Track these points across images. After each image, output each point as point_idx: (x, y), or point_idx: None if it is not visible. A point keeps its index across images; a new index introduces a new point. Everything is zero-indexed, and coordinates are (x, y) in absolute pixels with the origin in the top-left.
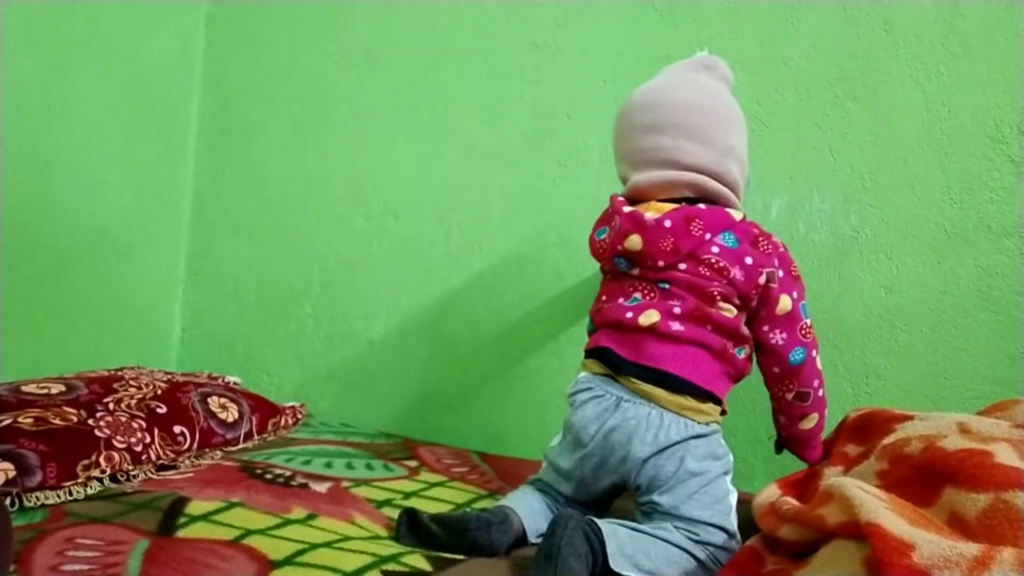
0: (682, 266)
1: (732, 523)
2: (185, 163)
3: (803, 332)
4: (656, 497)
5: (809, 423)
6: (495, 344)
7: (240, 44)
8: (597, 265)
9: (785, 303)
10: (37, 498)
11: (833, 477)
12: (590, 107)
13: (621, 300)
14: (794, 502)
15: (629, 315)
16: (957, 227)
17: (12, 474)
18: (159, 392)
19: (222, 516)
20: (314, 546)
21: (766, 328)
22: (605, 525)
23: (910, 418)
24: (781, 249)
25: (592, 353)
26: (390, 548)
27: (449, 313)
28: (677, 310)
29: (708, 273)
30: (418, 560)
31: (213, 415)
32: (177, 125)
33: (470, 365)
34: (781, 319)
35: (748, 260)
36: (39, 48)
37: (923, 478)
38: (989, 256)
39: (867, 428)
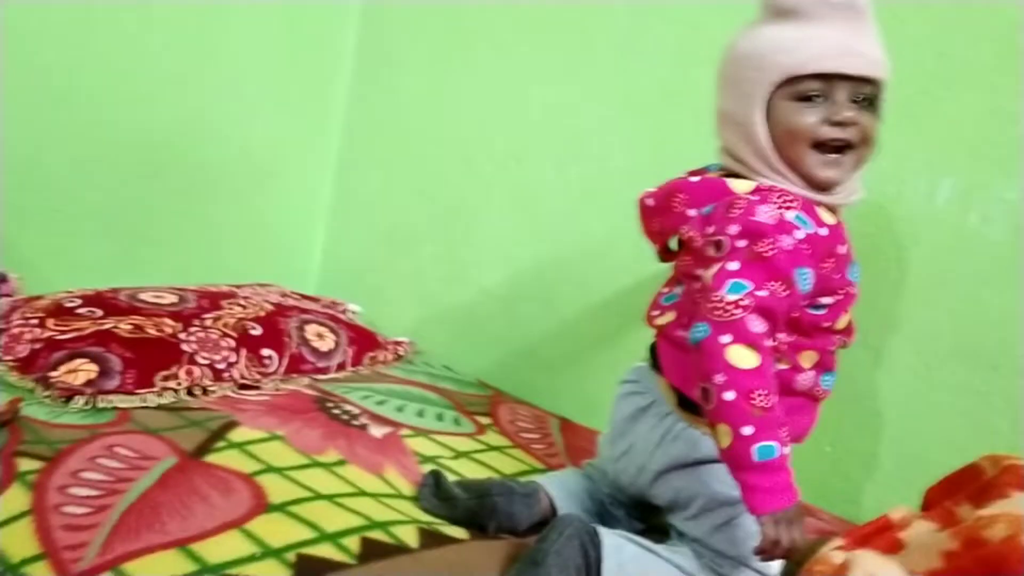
0: (686, 258)
1: (769, 565)
2: (337, 94)
3: (712, 304)
4: (679, 522)
5: (721, 440)
6: (601, 310)
7: None
8: None
9: (708, 273)
10: (110, 400)
11: (869, 559)
12: None
13: (665, 293)
14: (837, 560)
15: (655, 313)
16: None
17: (94, 375)
18: (261, 314)
19: (258, 447)
20: (318, 496)
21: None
22: (611, 538)
23: None
24: (757, 218)
25: (652, 344)
26: (392, 512)
27: (560, 272)
28: (685, 318)
29: (694, 260)
30: (408, 533)
31: (307, 342)
32: (332, 56)
33: (575, 328)
34: (701, 289)
35: (709, 228)
36: None
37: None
38: None
39: (991, 487)
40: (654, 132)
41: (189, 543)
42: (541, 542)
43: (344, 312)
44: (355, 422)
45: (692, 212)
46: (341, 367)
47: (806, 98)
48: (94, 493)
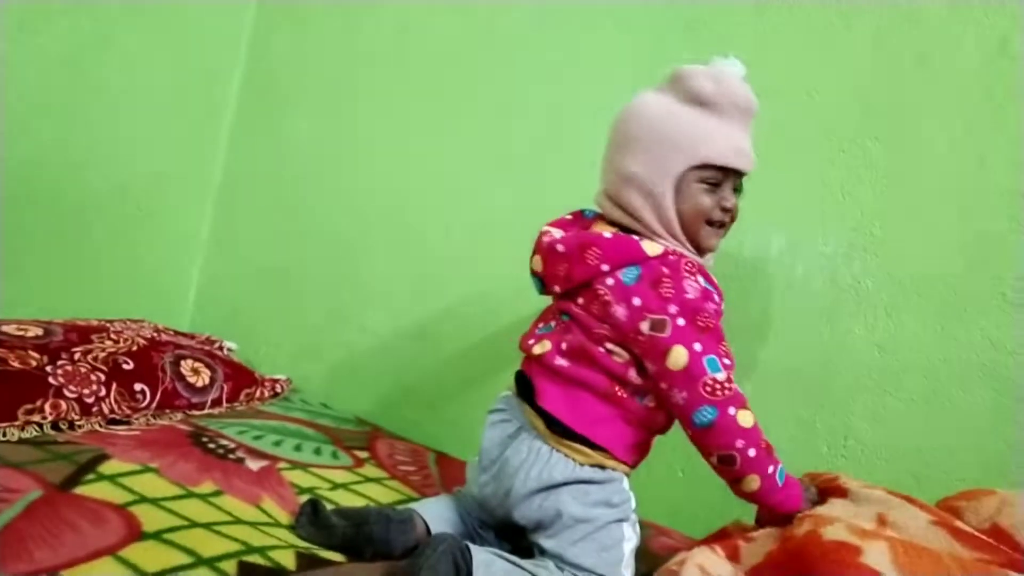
0: (580, 300)
1: (623, 573)
2: (220, 134)
3: (708, 388)
4: (541, 540)
5: (750, 486)
6: (480, 349)
7: (285, 24)
8: None
9: (678, 356)
10: None
11: (701, 553)
12: (603, 117)
13: (540, 326)
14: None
15: (531, 341)
16: (969, 291)
17: None
18: (134, 348)
19: (130, 479)
20: (194, 524)
21: (664, 386)
22: (480, 554)
23: (844, 494)
24: (689, 295)
25: (517, 373)
26: (270, 539)
27: (440, 312)
28: (565, 345)
29: (598, 310)
30: (285, 557)
31: (181, 377)
32: (216, 98)
33: (453, 366)
34: (676, 375)
35: (636, 300)
36: (87, 10)
37: (791, 564)
38: (1000, 328)
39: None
40: (528, 182)
41: (58, 570)
42: (416, 558)
43: (220, 349)
44: (231, 456)
45: (605, 268)
46: (216, 403)
47: (709, 183)
48: None
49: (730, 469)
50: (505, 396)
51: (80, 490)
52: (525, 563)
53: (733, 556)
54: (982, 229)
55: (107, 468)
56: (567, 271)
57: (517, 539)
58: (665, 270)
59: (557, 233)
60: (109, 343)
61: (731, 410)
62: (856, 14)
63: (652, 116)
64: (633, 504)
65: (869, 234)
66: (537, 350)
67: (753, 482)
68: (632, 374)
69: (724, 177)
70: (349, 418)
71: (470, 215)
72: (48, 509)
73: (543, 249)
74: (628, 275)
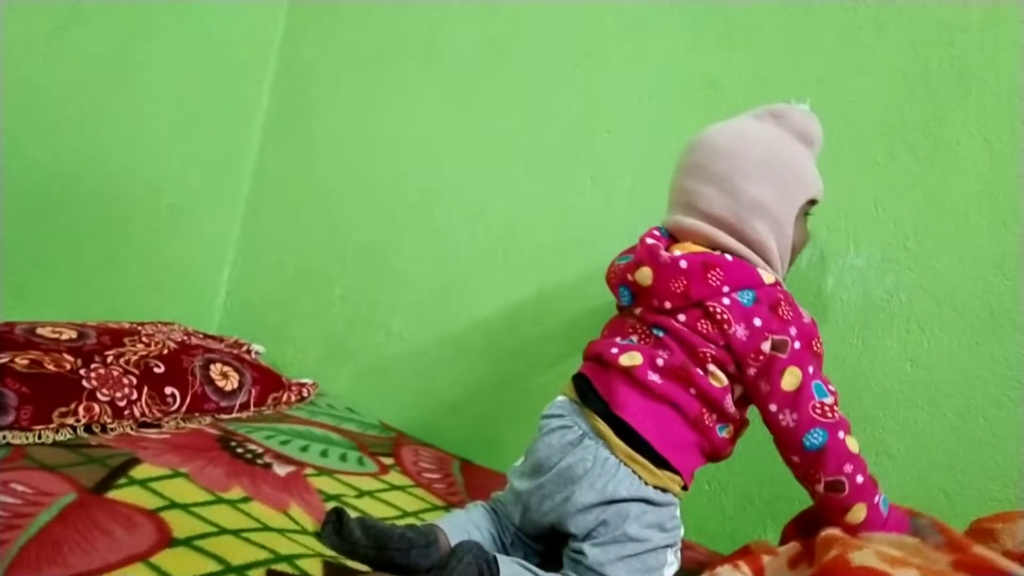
0: (681, 317)
1: None
2: (251, 136)
3: (818, 411)
4: (586, 547)
5: (857, 516)
6: (505, 355)
7: (317, 26)
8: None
9: (793, 377)
10: (3, 436)
11: (726, 571)
12: (631, 124)
13: (617, 338)
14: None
15: (614, 351)
16: (1004, 307)
17: None
18: (164, 352)
19: (161, 484)
20: (223, 531)
21: (773, 408)
22: (509, 566)
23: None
24: (805, 320)
25: (574, 378)
26: (297, 547)
27: (465, 317)
28: (660, 361)
29: (707, 329)
30: (314, 566)
31: (211, 381)
32: (248, 99)
33: (478, 372)
34: (789, 396)
35: (757, 321)
36: (121, 10)
37: None
38: None
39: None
40: (556, 190)
41: (92, 575)
42: (440, 570)
43: (248, 352)
44: (259, 461)
45: (726, 289)
46: (244, 407)
47: (806, 216)
48: None
49: (838, 496)
50: (562, 401)
51: (113, 494)
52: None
53: (759, 572)
54: (1019, 243)
55: (139, 472)
56: (685, 289)
57: (551, 548)
58: (780, 296)
59: (675, 251)
60: (140, 346)
61: (840, 434)
62: (892, 22)
63: (774, 147)
64: (681, 532)
65: (903, 247)
66: (625, 361)
67: (860, 512)
68: (728, 401)
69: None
70: (374, 423)
71: (498, 219)
72: (82, 513)
73: (657, 263)
74: (745, 297)
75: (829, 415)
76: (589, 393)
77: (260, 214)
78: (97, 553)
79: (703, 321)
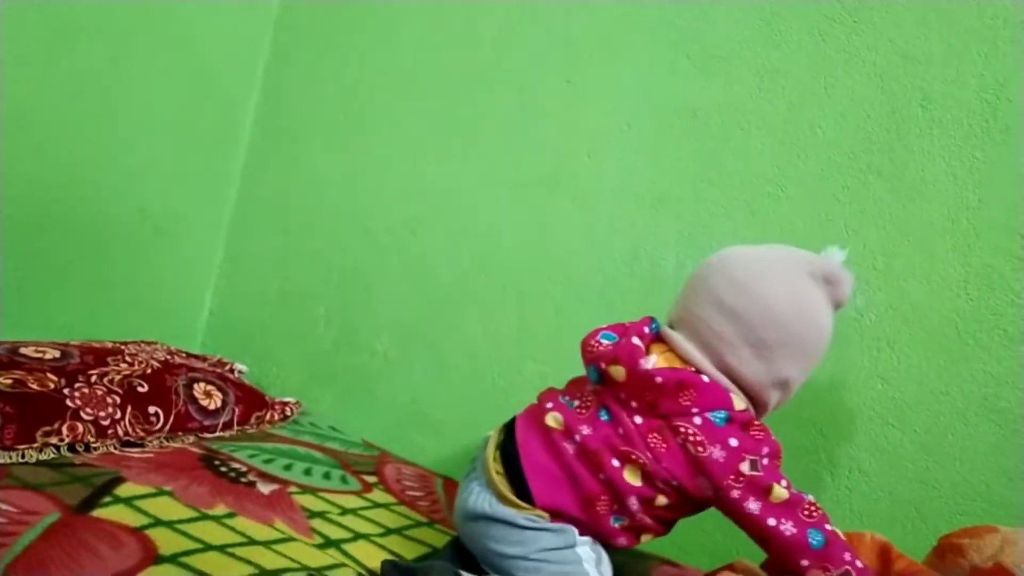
0: (638, 419)
1: None
2: (235, 158)
3: (806, 513)
4: None
5: None
6: (487, 373)
7: (301, 50)
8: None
9: (779, 491)
10: None
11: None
12: (611, 149)
13: (564, 396)
14: None
15: (549, 405)
16: (970, 327)
17: None
18: (148, 371)
19: (145, 502)
20: (209, 547)
21: (773, 522)
22: None
23: None
24: (772, 438)
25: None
26: (283, 560)
27: (448, 337)
28: (578, 437)
29: (655, 443)
30: None
31: (194, 400)
32: (233, 122)
33: (461, 391)
34: (782, 508)
35: (733, 442)
36: (106, 32)
37: None
38: (1000, 363)
39: None
40: (537, 212)
41: None
42: None
43: (231, 371)
44: (243, 479)
45: (695, 410)
46: (228, 426)
47: None
48: None
49: None
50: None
51: (97, 513)
52: None
53: None
54: (982, 265)
55: (123, 491)
56: (654, 399)
57: None
58: (750, 416)
59: (652, 359)
60: (124, 365)
61: (828, 527)
62: (859, 54)
63: (818, 321)
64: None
65: (872, 268)
66: (549, 421)
67: None
68: (633, 501)
69: None
70: (357, 442)
71: (480, 241)
72: (67, 531)
73: (634, 371)
74: (717, 417)
75: (815, 513)
76: (507, 441)
77: (244, 235)
78: (83, 571)
79: (655, 435)
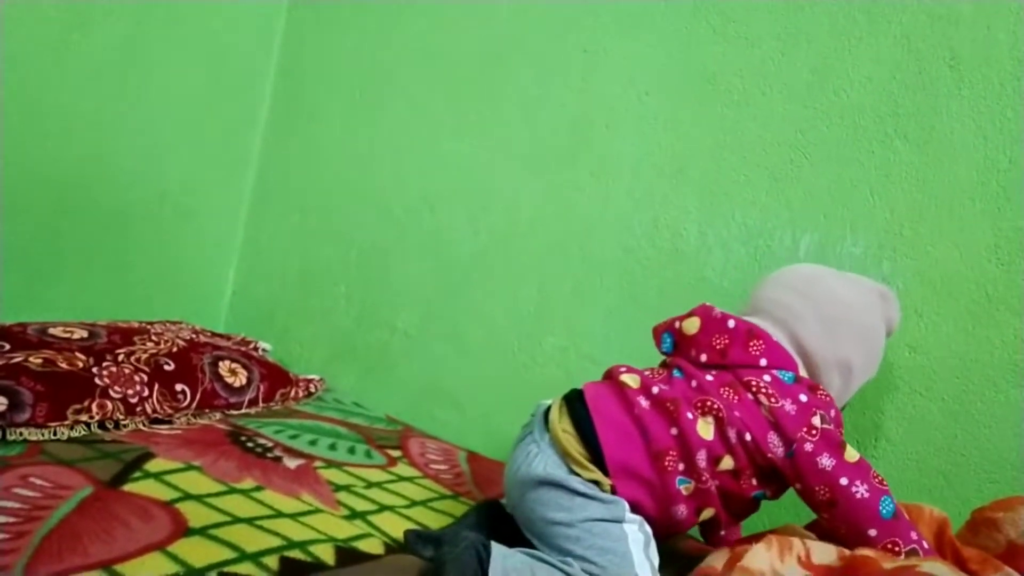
0: (709, 376)
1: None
2: (254, 138)
3: (878, 480)
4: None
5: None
6: (508, 348)
7: (316, 30)
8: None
9: (852, 450)
10: (20, 433)
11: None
12: (629, 119)
13: (634, 366)
14: (718, 564)
15: (622, 369)
16: (1000, 292)
17: (3, 408)
18: (174, 350)
19: (175, 477)
20: (237, 520)
21: (845, 481)
22: (500, 548)
23: None
24: (838, 407)
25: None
26: (309, 532)
27: (469, 312)
28: (656, 389)
29: (728, 395)
30: (325, 551)
31: (220, 378)
32: (250, 102)
33: (482, 365)
34: (854, 468)
35: (803, 397)
36: (124, 15)
37: None
38: None
39: None
40: (556, 186)
41: (112, 564)
42: (439, 556)
43: (255, 349)
44: (269, 454)
45: (763, 362)
46: (253, 403)
47: None
48: (12, 520)
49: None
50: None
51: (128, 487)
52: (549, 557)
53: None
54: (1013, 229)
55: (153, 466)
56: (725, 347)
57: None
58: (816, 384)
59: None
60: (150, 344)
61: (894, 498)
62: (884, 14)
63: (874, 318)
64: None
65: (899, 234)
66: (624, 378)
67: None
68: (702, 456)
69: None
70: (380, 417)
71: (499, 216)
72: (100, 505)
73: (708, 316)
74: (785, 375)
75: (885, 483)
76: (576, 401)
77: (264, 215)
78: (116, 543)
79: (727, 388)
